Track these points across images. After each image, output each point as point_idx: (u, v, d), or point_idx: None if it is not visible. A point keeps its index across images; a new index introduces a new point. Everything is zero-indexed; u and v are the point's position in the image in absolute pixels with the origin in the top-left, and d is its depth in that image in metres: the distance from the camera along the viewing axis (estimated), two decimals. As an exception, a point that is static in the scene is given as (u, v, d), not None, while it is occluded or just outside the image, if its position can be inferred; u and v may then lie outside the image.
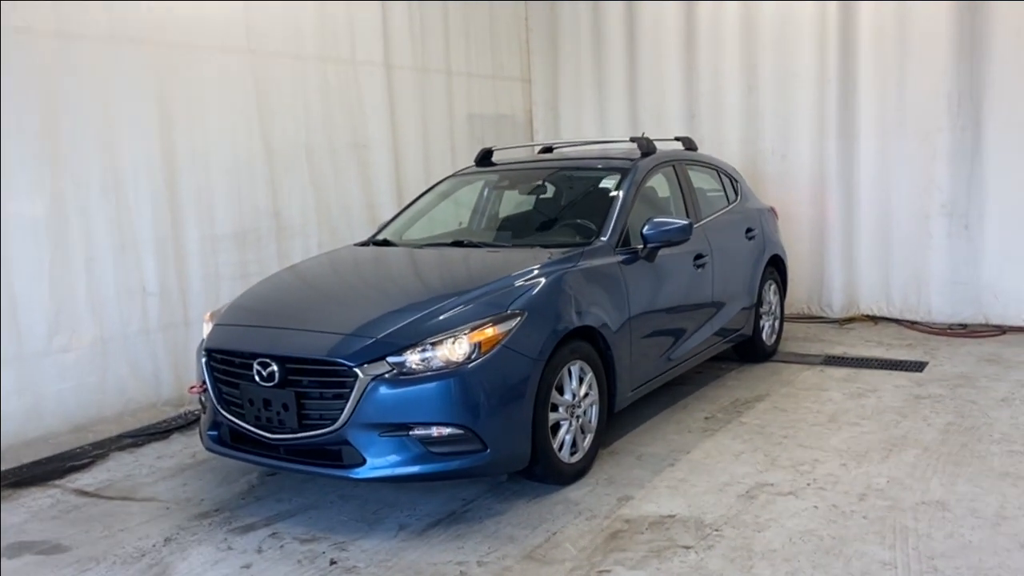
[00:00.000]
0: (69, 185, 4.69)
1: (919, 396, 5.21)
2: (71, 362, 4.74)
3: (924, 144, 6.90)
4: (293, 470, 3.74)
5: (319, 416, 3.63)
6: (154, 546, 3.63)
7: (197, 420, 5.28)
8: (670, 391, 5.36)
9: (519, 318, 3.74)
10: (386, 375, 3.53)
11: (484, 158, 5.73)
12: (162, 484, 4.34)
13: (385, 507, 3.89)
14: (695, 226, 5.19)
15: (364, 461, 3.55)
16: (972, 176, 6.77)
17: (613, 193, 4.80)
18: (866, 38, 7.01)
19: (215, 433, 4.04)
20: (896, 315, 7.24)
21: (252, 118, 5.66)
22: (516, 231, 4.99)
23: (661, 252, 4.73)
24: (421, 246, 4.89)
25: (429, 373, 3.55)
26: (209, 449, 4.05)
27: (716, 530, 3.52)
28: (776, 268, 6.38)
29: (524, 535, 3.56)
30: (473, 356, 3.58)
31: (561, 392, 3.96)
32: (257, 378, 3.72)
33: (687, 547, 3.38)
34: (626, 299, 4.40)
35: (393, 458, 3.55)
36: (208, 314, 4.41)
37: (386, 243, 5.07)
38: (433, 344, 3.58)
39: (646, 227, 4.58)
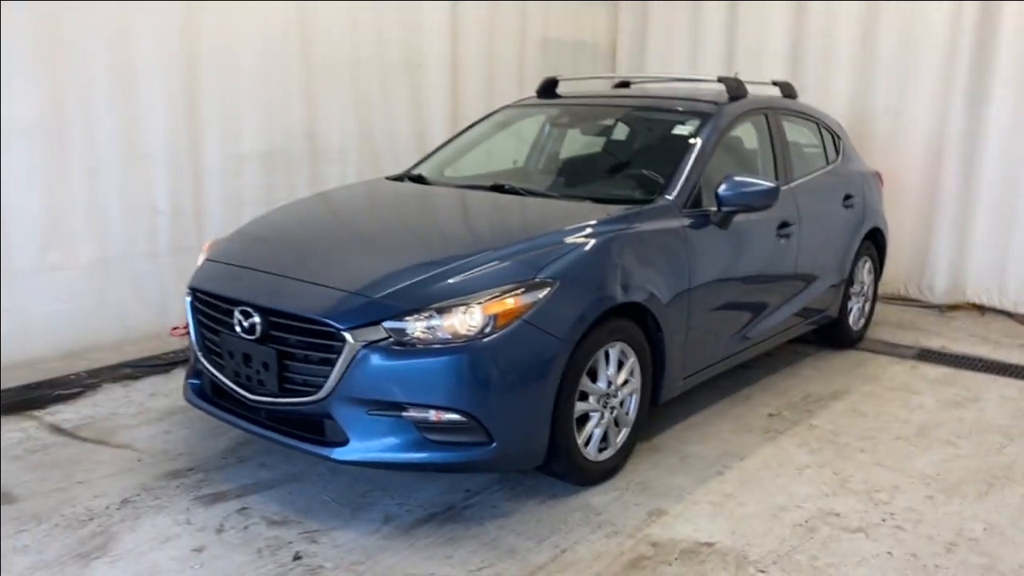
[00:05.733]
0: (71, 83, 4.17)
1: (1031, 414, 4.39)
2: (65, 282, 4.29)
3: (1072, 112, 5.86)
4: (271, 439, 3.20)
5: (303, 382, 3.07)
6: (107, 508, 3.17)
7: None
8: (733, 376, 4.65)
9: (549, 288, 3.08)
10: (381, 343, 2.94)
11: (547, 89, 5.00)
12: (144, 429, 3.90)
13: (376, 490, 3.35)
14: (784, 188, 4.45)
15: (347, 440, 3.00)
16: None
17: (688, 143, 4.04)
18: (1015, -19, 5.94)
19: (197, 383, 3.54)
20: (1009, 307, 6.29)
21: (291, 21, 5.03)
22: (570, 179, 4.27)
23: (738, 218, 3.98)
24: (456, 187, 4.23)
25: (433, 346, 2.94)
26: (188, 401, 3.55)
27: (761, 571, 2.87)
28: (874, 243, 5.53)
29: (527, 548, 2.97)
30: (487, 330, 2.95)
31: (594, 379, 3.32)
32: (238, 328, 3.18)
33: (722, 592, 2.75)
34: (687, 273, 3.69)
35: (381, 441, 2.98)
36: (208, 243, 3.89)
37: (421, 179, 4.43)
38: (440, 311, 2.95)
39: (723, 186, 3.83)
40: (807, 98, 6.69)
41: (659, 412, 4.06)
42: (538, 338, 3.03)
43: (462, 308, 2.96)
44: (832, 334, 5.33)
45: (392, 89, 5.72)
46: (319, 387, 3.00)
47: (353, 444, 2.98)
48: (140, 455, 3.62)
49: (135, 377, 4.51)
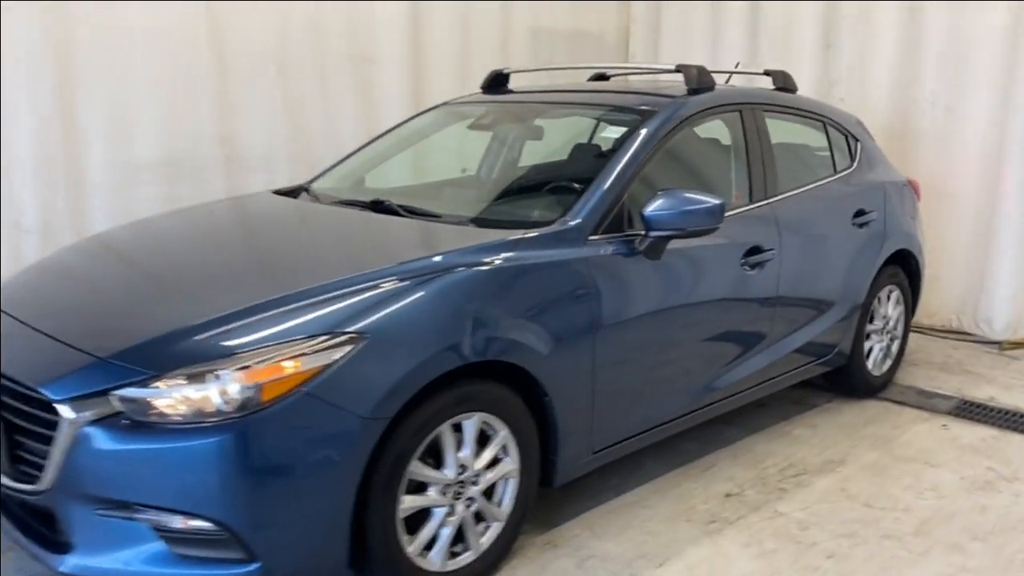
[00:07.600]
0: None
1: (1085, 502, 3.32)
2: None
3: None
4: (9, 534, 2.49)
5: (35, 464, 2.35)
6: None
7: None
8: (703, 436, 3.75)
9: (352, 347, 2.28)
10: (110, 419, 2.19)
11: (495, 83, 4.17)
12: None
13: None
14: (757, 205, 3.56)
15: (72, 546, 2.27)
16: None
17: (610, 150, 3.17)
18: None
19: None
20: (1086, 345, 5.13)
21: (196, 13, 4.36)
22: (473, 194, 3.48)
23: (678, 244, 3.08)
24: (334, 204, 3.45)
25: (177, 426, 2.17)
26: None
27: None
28: (904, 268, 4.49)
29: None
30: (250, 407, 2.16)
31: (437, 463, 2.50)
32: (-26, 390, 2.50)
33: None
34: (591, 317, 2.81)
35: (114, 553, 2.23)
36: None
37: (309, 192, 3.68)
38: (190, 378, 2.19)
39: (649, 206, 2.94)
40: (840, 91, 5.71)
41: (582, 488, 3.21)
42: (327, 416, 2.23)
43: (214, 374, 2.18)
44: (845, 380, 4.33)
45: (335, 87, 4.99)
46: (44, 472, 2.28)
47: (78, 552, 2.25)
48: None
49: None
